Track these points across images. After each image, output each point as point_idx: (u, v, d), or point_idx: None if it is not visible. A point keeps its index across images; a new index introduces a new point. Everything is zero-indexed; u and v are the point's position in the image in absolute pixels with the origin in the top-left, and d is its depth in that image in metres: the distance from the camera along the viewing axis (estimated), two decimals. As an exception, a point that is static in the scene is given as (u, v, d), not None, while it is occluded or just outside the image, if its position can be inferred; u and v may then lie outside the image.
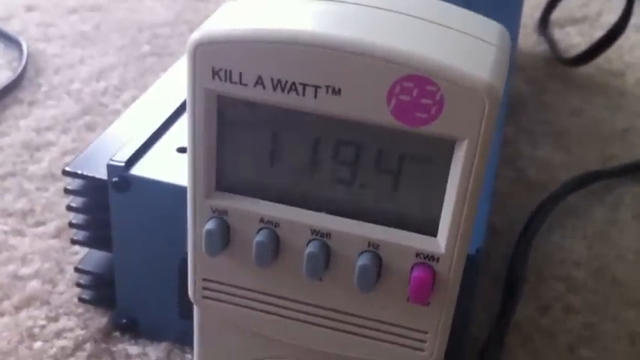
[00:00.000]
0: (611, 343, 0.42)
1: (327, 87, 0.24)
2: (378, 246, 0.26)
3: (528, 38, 0.76)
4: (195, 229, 0.27)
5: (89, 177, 0.36)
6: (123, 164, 0.35)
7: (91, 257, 0.40)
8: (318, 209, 0.27)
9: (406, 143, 0.25)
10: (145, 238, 0.37)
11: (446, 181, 0.25)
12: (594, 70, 0.72)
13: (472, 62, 0.23)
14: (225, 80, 0.24)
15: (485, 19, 0.26)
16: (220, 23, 0.25)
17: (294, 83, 0.24)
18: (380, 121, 0.24)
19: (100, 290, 0.40)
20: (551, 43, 0.75)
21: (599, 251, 0.49)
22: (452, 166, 0.24)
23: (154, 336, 0.40)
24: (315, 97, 0.24)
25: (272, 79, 0.24)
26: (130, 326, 0.40)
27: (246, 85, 0.24)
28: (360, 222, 0.26)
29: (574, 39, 0.77)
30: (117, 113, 0.57)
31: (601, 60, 0.71)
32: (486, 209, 0.34)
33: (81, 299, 0.41)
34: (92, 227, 0.38)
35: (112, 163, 0.35)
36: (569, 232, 0.51)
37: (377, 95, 0.23)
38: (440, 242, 0.26)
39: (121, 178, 0.35)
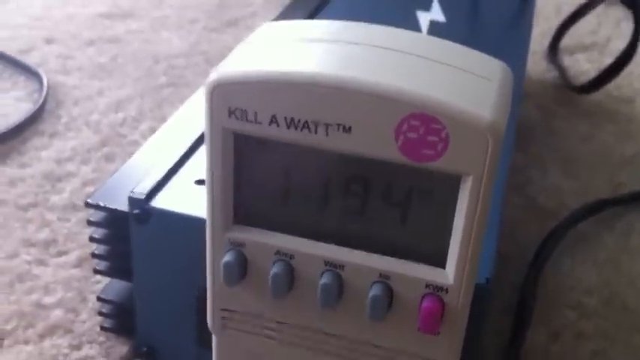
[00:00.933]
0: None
1: (338, 125, 0.25)
2: (389, 277, 0.27)
3: (538, 65, 0.77)
4: (214, 260, 0.29)
5: (111, 209, 0.38)
6: (144, 197, 0.36)
7: (113, 286, 0.41)
8: (331, 241, 0.28)
9: (413, 178, 0.26)
10: (164, 269, 0.38)
11: (453, 215, 0.26)
12: (603, 96, 0.73)
13: (475, 101, 0.24)
14: (241, 119, 0.26)
15: (486, 56, 0.28)
16: (236, 64, 0.26)
17: (306, 122, 0.25)
18: (388, 157, 0.25)
19: (121, 319, 0.41)
20: (561, 70, 0.76)
21: (610, 278, 0.50)
22: (458, 201, 0.25)
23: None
24: (327, 134, 0.25)
25: (285, 118, 0.25)
26: (149, 354, 0.41)
27: (260, 123, 0.26)
28: (372, 254, 0.27)
29: (583, 66, 0.79)
30: (135, 144, 0.59)
31: (610, 87, 0.72)
32: (494, 238, 0.35)
33: (103, 328, 0.42)
34: (113, 258, 0.39)
35: (133, 195, 0.37)
36: (580, 260, 0.51)
37: (385, 132, 0.25)
38: (448, 274, 0.27)
39: (142, 210, 0.36)
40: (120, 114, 0.63)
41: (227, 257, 0.28)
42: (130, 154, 0.41)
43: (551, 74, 0.77)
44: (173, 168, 0.39)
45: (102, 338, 0.42)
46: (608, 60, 0.73)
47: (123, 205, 0.37)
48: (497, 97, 0.25)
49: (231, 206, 0.28)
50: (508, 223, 0.54)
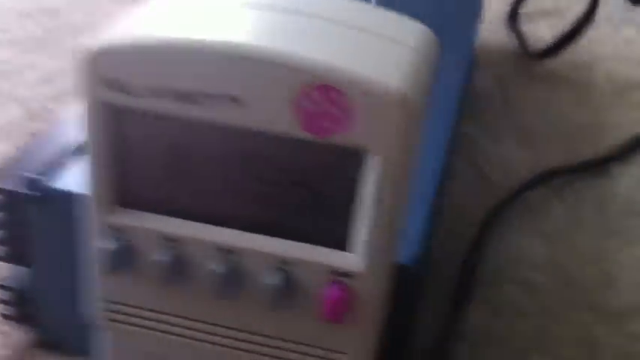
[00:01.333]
0: (566, 349, 0.40)
1: (227, 97, 0.22)
2: (290, 263, 0.24)
3: (497, 34, 0.75)
4: (96, 247, 0.26)
5: (6, 190, 0.34)
6: (41, 177, 0.33)
7: (16, 273, 0.38)
8: (225, 225, 0.25)
9: (314, 155, 0.23)
10: (64, 253, 0.35)
11: (359, 195, 0.23)
12: (562, 64, 0.70)
13: (384, 69, 0.21)
14: (118, 91, 0.23)
15: (409, 20, 0.25)
16: (115, 31, 0.23)
17: (189, 93, 0.22)
18: (285, 131, 0.22)
19: (23, 307, 0.38)
20: (519, 37, 0.73)
21: (558, 252, 0.47)
22: (365, 180, 0.23)
23: (80, 353, 0.38)
24: (217, 107, 0.22)
25: (167, 89, 0.22)
26: (54, 344, 0.38)
27: (140, 95, 0.23)
28: (269, 238, 0.25)
29: (544, 32, 0.76)
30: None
31: (568, 53, 0.70)
32: (423, 220, 0.32)
33: (4, 316, 0.39)
34: (12, 242, 0.36)
35: (28, 175, 0.33)
36: (528, 233, 0.49)
37: (281, 105, 0.22)
38: (355, 259, 0.24)
39: (40, 191, 0.33)
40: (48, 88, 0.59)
41: (109, 244, 0.25)
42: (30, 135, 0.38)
43: (510, 42, 0.74)
44: (75, 147, 0.36)
45: (4, 328, 0.39)
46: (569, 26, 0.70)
47: (20, 187, 0.34)
48: (412, 66, 0.22)
49: (112, 187, 0.25)
50: (457, 197, 0.51)
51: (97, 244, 0.25)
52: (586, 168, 0.55)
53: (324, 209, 0.24)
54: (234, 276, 0.25)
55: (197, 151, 0.24)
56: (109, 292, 0.26)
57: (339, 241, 0.24)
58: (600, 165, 0.55)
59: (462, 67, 0.49)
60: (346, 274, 0.24)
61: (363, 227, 0.23)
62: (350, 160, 0.23)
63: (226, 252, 0.25)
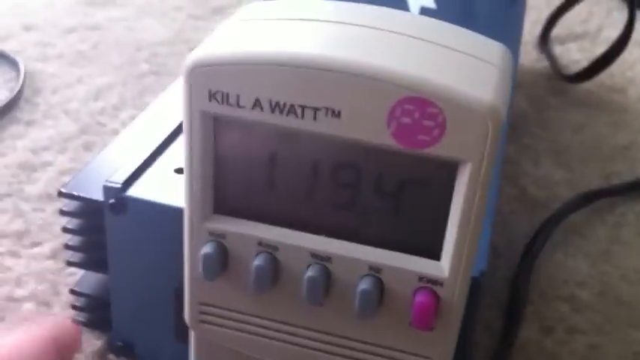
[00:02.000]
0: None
1: (327, 109, 0.23)
2: (380, 270, 0.25)
3: (529, 55, 0.76)
4: (192, 252, 0.27)
5: (85, 198, 0.36)
6: (119, 186, 0.35)
7: (87, 279, 0.40)
8: (318, 232, 0.26)
9: (407, 166, 0.24)
10: (141, 261, 0.36)
11: (449, 204, 0.24)
12: (595, 86, 0.71)
13: (474, 84, 0.23)
14: (222, 102, 0.24)
15: (486, 38, 0.26)
16: (217, 45, 0.24)
17: (292, 105, 0.23)
18: (380, 143, 0.23)
19: (96, 312, 0.39)
20: (552, 59, 0.75)
21: (603, 271, 0.48)
22: (455, 189, 0.24)
23: (150, 359, 0.39)
24: (315, 119, 0.23)
25: (270, 101, 0.24)
26: (125, 349, 0.39)
27: (243, 107, 0.24)
28: (361, 245, 0.26)
29: (575, 55, 0.77)
30: (115, 133, 0.56)
31: (602, 76, 0.71)
32: (489, 230, 0.34)
33: (76, 322, 0.40)
34: (88, 249, 0.37)
35: (108, 184, 0.35)
36: (572, 252, 0.50)
37: (377, 117, 0.23)
38: (443, 266, 0.25)
39: (118, 199, 0.35)
40: (100, 102, 0.61)
41: (206, 249, 0.26)
42: (109, 144, 0.39)
43: (542, 64, 0.75)
44: (151, 156, 0.37)
45: (77, 333, 0.40)
46: (599, 49, 0.71)
47: (98, 195, 0.35)
48: (497, 80, 0.24)
49: (210, 195, 0.26)
50: (500, 215, 0.53)
51: (194, 249, 0.27)
52: (626, 190, 0.56)
53: (414, 218, 0.25)
54: (326, 281, 0.26)
55: (292, 161, 0.25)
56: (203, 295, 0.28)
57: (427, 249, 0.25)
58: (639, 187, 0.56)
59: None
60: (435, 282, 0.25)
61: (452, 235, 0.24)
62: (441, 171, 0.24)
63: (320, 258, 0.26)
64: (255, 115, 0.24)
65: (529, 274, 0.47)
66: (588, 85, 0.71)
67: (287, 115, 0.24)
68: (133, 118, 0.58)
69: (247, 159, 0.26)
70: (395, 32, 0.25)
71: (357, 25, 0.25)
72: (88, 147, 0.55)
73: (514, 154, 0.60)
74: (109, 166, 0.37)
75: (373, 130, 0.23)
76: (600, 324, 0.44)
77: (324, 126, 0.23)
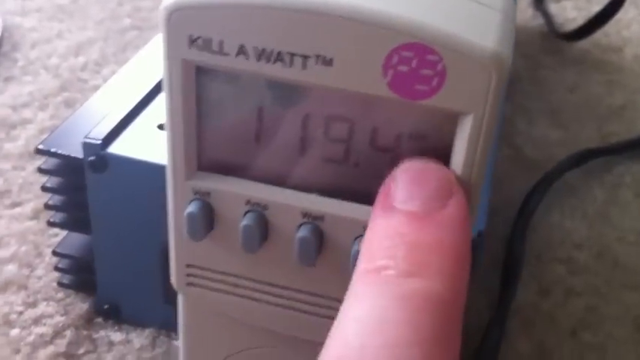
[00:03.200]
0: (615, 328, 0.40)
1: (317, 56, 0.22)
2: (374, 230, 0.24)
3: (523, 13, 0.74)
4: (177, 212, 0.25)
5: (64, 156, 0.34)
6: (99, 142, 0.33)
7: (70, 240, 0.38)
8: (310, 191, 0.25)
9: (404, 119, 0.23)
10: (125, 220, 0.35)
11: (448, 159, 0.23)
12: (591, 45, 0.70)
13: (477, 30, 0.21)
14: (204, 49, 0.22)
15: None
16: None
17: (280, 52, 0.22)
18: (375, 94, 0.22)
19: (81, 274, 0.38)
20: (547, 17, 0.73)
21: (600, 232, 0.47)
22: (455, 143, 0.22)
23: (138, 322, 0.38)
24: (304, 67, 0.22)
25: (256, 48, 0.22)
26: (112, 312, 0.38)
27: (227, 54, 0.22)
28: (356, 204, 0.24)
29: (570, 13, 0.75)
30: (97, 89, 0.54)
31: (598, 35, 0.69)
32: (487, 190, 0.32)
33: (60, 284, 0.39)
34: (69, 209, 0.36)
35: (87, 140, 0.33)
36: (569, 213, 0.49)
37: (372, 66, 0.21)
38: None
39: (98, 156, 0.33)
40: (81, 58, 0.59)
41: (191, 208, 0.25)
42: (89, 99, 0.37)
43: (537, 22, 0.73)
44: (132, 111, 0.35)
45: (60, 295, 0.39)
46: (595, 8, 0.69)
47: (78, 152, 0.34)
48: (501, 27, 0.22)
49: (194, 151, 0.25)
50: (495, 175, 0.51)
51: (178, 209, 0.25)
52: (623, 149, 0.55)
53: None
54: (319, 242, 0.25)
55: (282, 113, 0.24)
56: (189, 257, 0.26)
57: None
58: (637, 146, 0.55)
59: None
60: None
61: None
62: (440, 124, 0.22)
63: (312, 217, 0.24)
64: (240, 64, 0.22)
65: (524, 235, 0.45)
66: (583, 44, 0.69)
67: (274, 63, 0.22)
68: (115, 74, 0.56)
69: (233, 112, 0.24)
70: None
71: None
72: (69, 104, 0.53)
73: (509, 113, 0.58)
74: (89, 122, 0.35)
75: (368, 80, 0.21)
76: (598, 286, 0.43)
77: (315, 75, 0.22)
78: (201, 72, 0.23)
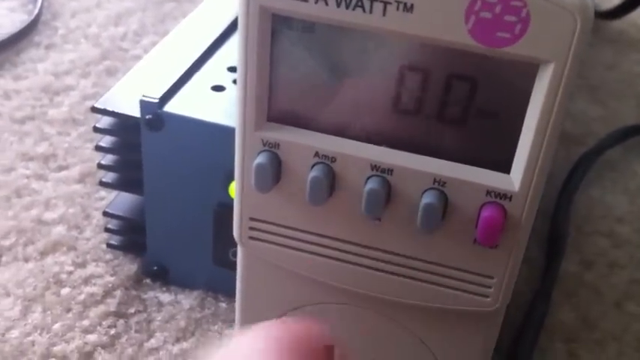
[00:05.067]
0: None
1: (398, 2, 0.21)
2: (445, 183, 0.24)
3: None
4: (245, 163, 0.26)
5: (120, 114, 0.34)
6: (157, 101, 0.33)
7: (120, 201, 0.38)
8: (379, 143, 0.25)
9: (481, 67, 0.23)
10: (178, 181, 0.35)
11: (524, 112, 0.23)
12: (628, 25, 0.69)
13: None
14: (281, -4, 0.22)
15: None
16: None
17: (357, -2, 0.22)
18: (456, 41, 0.22)
19: (130, 236, 0.38)
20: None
21: (643, 207, 0.47)
22: (533, 94, 0.22)
23: (186, 283, 0.38)
24: (384, 14, 0.22)
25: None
26: (161, 273, 0.38)
27: (306, 0, 0.22)
28: (425, 157, 0.24)
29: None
30: (137, 59, 0.54)
31: (635, 14, 0.69)
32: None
33: (109, 245, 0.39)
34: (123, 169, 0.36)
35: (144, 99, 0.33)
36: (610, 188, 0.49)
37: (454, 12, 0.21)
38: (514, 179, 0.24)
39: (155, 115, 0.33)
40: (120, 28, 0.59)
41: (259, 159, 0.25)
42: (140, 61, 0.37)
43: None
44: (187, 72, 0.35)
45: (109, 256, 0.39)
46: (633, -14, 0.69)
47: (133, 111, 0.34)
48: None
49: (265, 101, 0.25)
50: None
51: (246, 160, 0.25)
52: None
53: (485, 127, 0.24)
54: (387, 195, 0.25)
55: (357, 63, 0.24)
56: (254, 210, 0.26)
57: (497, 160, 0.24)
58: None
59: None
60: (504, 196, 0.24)
61: (526, 146, 0.23)
62: (520, 73, 0.22)
63: (381, 170, 0.24)
64: (320, 11, 0.22)
65: (568, 209, 0.45)
66: (620, 23, 0.69)
67: (354, 9, 0.22)
68: (154, 44, 0.56)
69: (307, 62, 0.24)
70: None
71: None
72: (110, 72, 0.53)
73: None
74: (143, 83, 0.35)
75: (449, 27, 0.21)
76: (640, 258, 0.43)
77: (395, 22, 0.22)
78: (277, 19, 0.23)
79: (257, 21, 0.23)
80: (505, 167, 0.24)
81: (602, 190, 0.48)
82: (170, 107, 0.33)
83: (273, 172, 0.25)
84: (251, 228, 0.27)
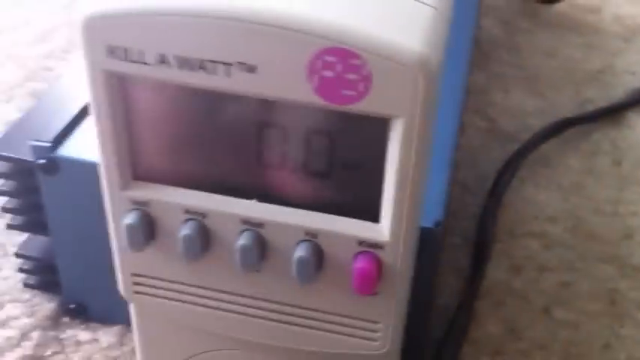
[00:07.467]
0: (589, 303, 0.40)
1: (240, 64, 0.21)
2: (317, 235, 0.24)
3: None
4: (116, 222, 0.25)
5: (15, 159, 0.33)
6: (49, 144, 0.32)
7: (33, 241, 0.38)
8: (249, 197, 0.24)
9: (335, 123, 0.22)
10: (81, 221, 0.34)
11: (384, 163, 0.22)
12: (568, 7, 0.68)
13: (403, 30, 0.20)
14: (124, 59, 0.21)
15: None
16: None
17: (202, 60, 0.21)
18: (303, 100, 0.21)
19: (45, 275, 0.37)
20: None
21: (575, 204, 0.47)
22: (389, 147, 0.22)
23: (105, 320, 0.38)
24: (229, 75, 0.21)
25: (177, 57, 0.21)
26: (79, 310, 0.38)
27: (148, 63, 0.21)
28: (296, 209, 0.24)
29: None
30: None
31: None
32: (444, 180, 0.32)
33: (27, 285, 0.38)
34: (26, 211, 0.35)
35: (36, 143, 0.32)
36: (544, 185, 0.48)
37: (296, 72, 0.20)
38: (384, 228, 0.23)
39: (48, 159, 0.32)
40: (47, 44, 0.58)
41: (129, 219, 0.24)
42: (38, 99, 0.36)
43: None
44: (83, 111, 0.34)
45: (26, 296, 0.39)
46: (574, -33, 0.68)
47: (29, 154, 0.33)
48: (431, 25, 0.21)
49: (127, 160, 0.24)
50: (468, 150, 0.51)
51: (117, 219, 0.25)
52: (600, 117, 0.54)
53: (349, 179, 0.23)
54: (261, 248, 0.24)
55: (213, 120, 0.23)
56: (133, 266, 0.26)
57: (365, 211, 0.23)
58: (614, 113, 0.54)
59: (470, 14, 0.48)
60: (375, 245, 0.23)
61: (389, 196, 0.22)
62: (372, 128, 0.22)
63: (252, 224, 0.24)
64: (163, 73, 0.21)
65: (496, 211, 0.45)
66: (561, 5, 0.68)
67: (197, 71, 0.21)
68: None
69: (161, 120, 0.23)
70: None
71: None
72: (35, 95, 0.52)
73: (483, 83, 0.57)
74: (39, 123, 0.34)
75: (294, 86, 0.21)
76: (572, 260, 0.43)
77: (239, 83, 0.21)
78: (125, 80, 0.22)
79: (103, 83, 0.22)
80: (374, 217, 0.23)
81: (535, 187, 0.48)
82: (64, 150, 0.33)
83: (145, 231, 0.25)
84: (135, 283, 0.26)
